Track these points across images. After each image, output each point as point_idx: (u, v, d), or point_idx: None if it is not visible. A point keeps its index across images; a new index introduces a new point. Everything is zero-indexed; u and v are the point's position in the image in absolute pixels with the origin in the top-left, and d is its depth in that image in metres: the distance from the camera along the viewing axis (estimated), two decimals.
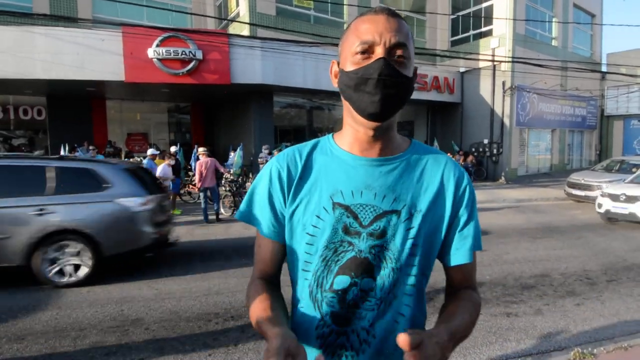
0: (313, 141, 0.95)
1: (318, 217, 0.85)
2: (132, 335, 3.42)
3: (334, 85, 0.90)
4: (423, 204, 0.86)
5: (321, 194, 0.86)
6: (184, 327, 3.57)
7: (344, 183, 0.85)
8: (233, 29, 14.29)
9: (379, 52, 0.78)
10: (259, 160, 11.55)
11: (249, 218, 0.93)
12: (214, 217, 8.63)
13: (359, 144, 0.87)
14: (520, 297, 4.33)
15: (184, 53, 10.68)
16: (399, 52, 0.79)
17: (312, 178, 0.88)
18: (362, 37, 0.79)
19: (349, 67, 0.81)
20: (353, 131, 0.87)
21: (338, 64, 0.88)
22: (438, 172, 0.89)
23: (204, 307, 4.01)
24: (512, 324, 3.68)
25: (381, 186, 0.85)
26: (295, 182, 0.88)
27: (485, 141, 16.31)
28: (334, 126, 17.04)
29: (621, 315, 3.88)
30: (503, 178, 15.62)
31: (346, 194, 0.85)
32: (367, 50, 0.79)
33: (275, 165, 0.91)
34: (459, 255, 0.89)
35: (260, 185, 0.91)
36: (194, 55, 10.76)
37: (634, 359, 2.99)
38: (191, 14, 14.74)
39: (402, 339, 0.64)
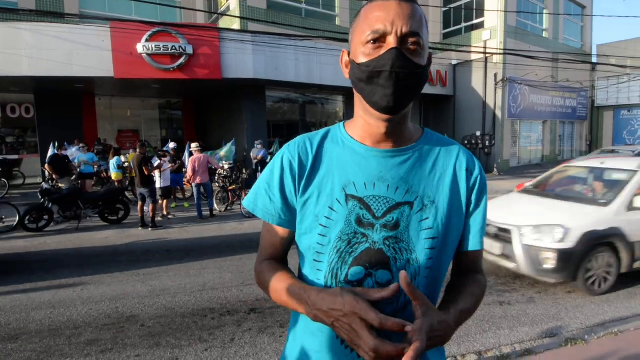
0: (324, 130, 0.94)
1: (331, 208, 0.84)
2: (127, 332, 3.41)
3: (345, 76, 0.88)
4: (436, 196, 0.85)
5: (334, 186, 0.85)
6: (179, 323, 3.56)
7: (357, 175, 0.85)
8: (223, 23, 14.13)
9: (390, 41, 0.75)
10: (252, 155, 11.51)
11: (258, 206, 0.92)
12: (207, 213, 8.60)
13: (371, 136, 0.86)
14: (512, 285, 4.39)
15: (174, 48, 10.54)
16: (412, 40, 0.76)
17: (324, 169, 0.87)
18: (373, 26, 0.76)
19: (361, 59, 0.79)
20: (365, 124, 0.86)
21: (349, 53, 0.85)
22: (450, 163, 0.88)
23: (199, 303, 4.00)
24: (505, 312, 3.73)
25: (394, 178, 0.84)
26: (307, 172, 0.87)
27: (478, 133, 16.40)
28: (327, 120, 17.01)
29: (611, 302, 3.95)
30: (495, 170, 15.75)
31: (359, 185, 0.84)
32: (379, 40, 0.76)
33: (286, 154, 0.90)
34: (468, 242, 0.90)
35: (270, 175, 0.91)
36: (184, 50, 10.62)
37: (624, 344, 3.05)
38: (181, 7, 14.55)
39: (403, 277, 0.71)
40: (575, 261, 3.93)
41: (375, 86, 0.78)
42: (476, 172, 0.90)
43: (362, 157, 0.86)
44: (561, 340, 3.13)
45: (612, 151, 11.82)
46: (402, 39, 0.76)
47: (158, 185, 8.43)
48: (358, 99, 0.85)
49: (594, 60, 20.62)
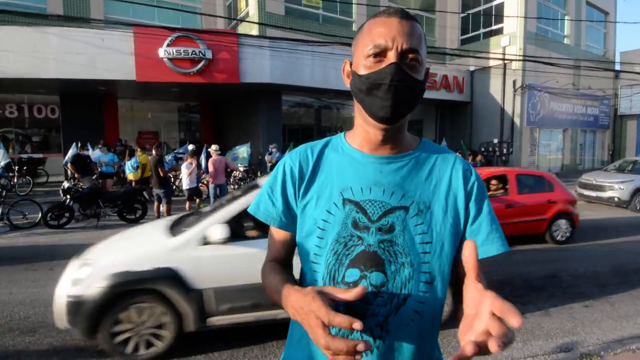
0: (325, 139, 0.98)
1: (328, 212, 0.88)
2: None
3: (346, 85, 0.92)
4: (432, 201, 0.87)
5: (332, 190, 0.89)
6: None
7: (354, 180, 0.88)
8: (242, 28, 14.37)
9: (391, 56, 0.80)
10: (267, 158, 11.63)
11: (260, 210, 0.97)
12: None
13: (369, 144, 0.90)
14: (527, 298, 4.29)
15: (194, 53, 10.78)
16: (410, 56, 0.81)
17: (323, 174, 0.92)
18: (375, 41, 0.81)
19: (362, 71, 0.83)
20: (363, 132, 0.90)
21: (351, 64, 0.90)
22: (447, 170, 0.91)
23: None
24: None
25: (390, 183, 0.87)
26: (307, 178, 0.92)
27: (495, 141, 16.14)
28: (342, 125, 17.04)
29: (631, 317, 3.82)
30: None
31: (356, 190, 0.87)
32: (380, 54, 0.81)
33: (288, 161, 0.95)
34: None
35: (274, 181, 0.96)
36: (204, 55, 10.86)
37: None
38: (201, 14, 14.87)
39: (470, 245, 0.66)
40: (91, 313, 2.75)
41: (374, 97, 0.82)
42: (472, 179, 0.91)
43: (359, 163, 0.90)
44: (576, 356, 3.05)
45: (635, 162, 11.44)
46: (401, 55, 0.80)
47: (185, 186, 8.60)
48: (358, 108, 0.89)
49: (617, 67, 20.08)
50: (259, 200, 0.97)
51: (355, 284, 0.84)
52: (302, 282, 0.94)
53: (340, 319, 0.69)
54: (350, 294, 0.74)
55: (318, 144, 0.97)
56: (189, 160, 9.00)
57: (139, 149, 11.34)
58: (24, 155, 13.36)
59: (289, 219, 0.94)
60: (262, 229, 3.35)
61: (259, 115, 13.28)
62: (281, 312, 2.94)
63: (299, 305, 0.76)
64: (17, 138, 13.87)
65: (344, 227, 0.86)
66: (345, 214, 0.87)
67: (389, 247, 0.84)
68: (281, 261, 0.99)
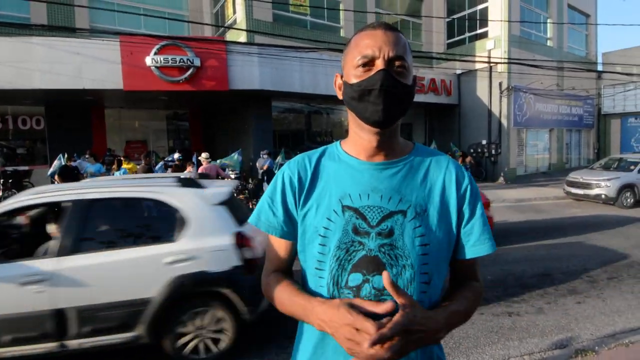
0: (322, 148, 1.01)
1: (329, 219, 0.90)
2: None
3: (338, 96, 0.95)
4: (428, 204, 0.90)
5: (331, 198, 0.91)
6: None
7: (352, 187, 0.91)
8: (230, 35, 14.37)
9: (379, 64, 0.85)
10: (258, 164, 11.59)
11: (261, 220, 0.98)
12: None
13: (365, 150, 0.93)
14: (521, 296, 4.34)
15: (182, 60, 10.72)
16: (397, 63, 0.86)
17: (321, 183, 0.94)
18: (363, 52, 0.86)
19: (353, 80, 0.88)
20: (358, 139, 0.93)
21: (342, 77, 0.94)
22: (440, 173, 0.94)
23: None
24: (514, 323, 3.69)
25: (387, 188, 0.90)
26: (307, 187, 0.94)
27: (484, 142, 16.36)
28: (332, 130, 17.11)
29: (622, 312, 3.89)
30: (502, 178, 15.64)
31: (354, 197, 0.90)
32: (368, 63, 0.86)
33: (287, 171, 0.97)
34: (467, 250, 0.93)
35: (273, 191, 0.97)
36: (192, 63, 10.81)
37: (635, 355, 3.00)
38: (188, 22, 14.83)
39: (385, 276, 0.79)
40: None
41: (366, 103, 0.86)
42: (465, 182, 0.95)
43: (356, 170, 0.93)
44: (571, 352, 3.09)
45: (620, 159, 11.71)
46: (389, 62, 0.85)
47: None
48: (352, 117, 0.93)
49: (600, 68, 20.60)
50: (260, 210, 0.98)
51: (358, 288, 0.86)
52: (304, 289, 0.95)
53: (387, 330, 0.75)
54: (380, 308, 0.78)
55: (315, 153, 0.99)
56: (187, 169, 8.92)
57: (123, 158, 11.19)
58: (9, 168, 13.05)
59: (290, 228, 0.95)
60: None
61: (249, 122, 13.26)
62: (42, 346, 2.72)
63: (328, 317, 0.80)
64: (1, 151, 13.59)
65: (344, 233, 0.88)
66: (345, 221, 0.88)
67: (389, 251, 0.86)
68: (283, 271, 1.00)
